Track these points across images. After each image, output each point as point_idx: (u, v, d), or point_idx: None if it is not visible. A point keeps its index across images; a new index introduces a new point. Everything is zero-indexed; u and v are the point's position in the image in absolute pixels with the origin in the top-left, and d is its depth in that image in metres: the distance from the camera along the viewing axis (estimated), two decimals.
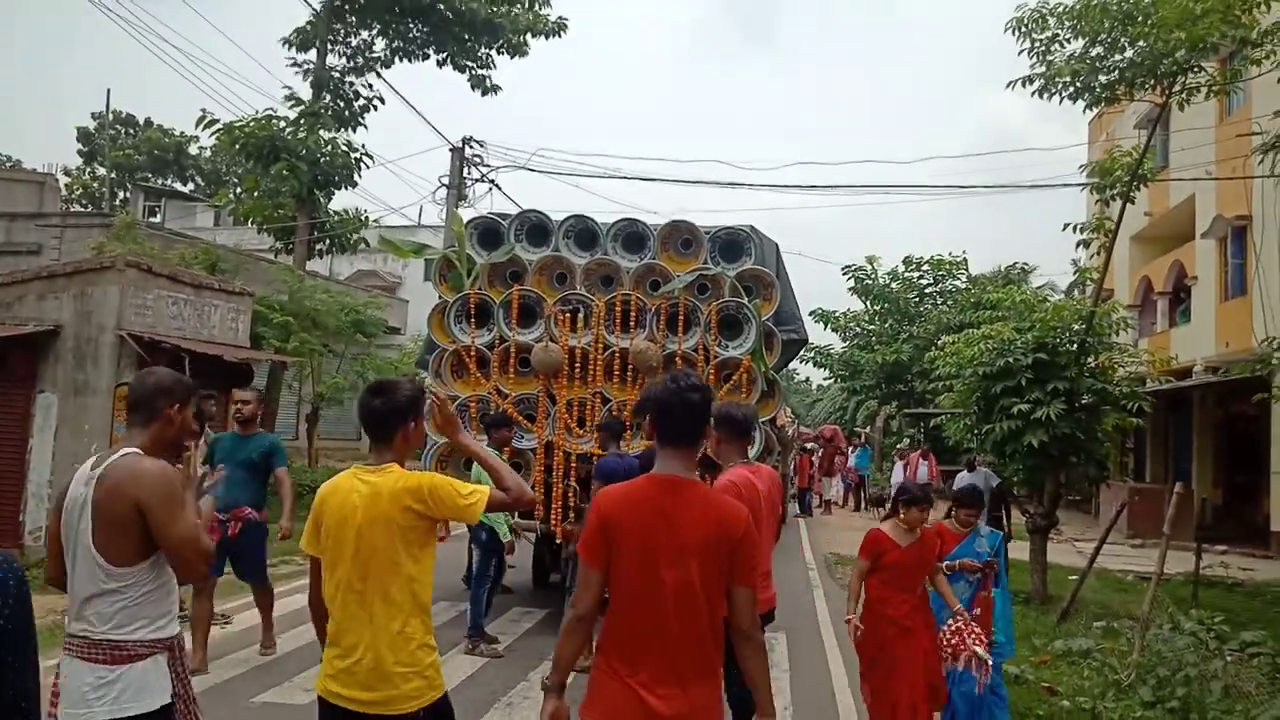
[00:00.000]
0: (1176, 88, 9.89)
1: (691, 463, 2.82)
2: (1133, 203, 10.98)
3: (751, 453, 8.20)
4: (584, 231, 9.09)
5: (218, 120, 17.38)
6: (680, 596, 2.61)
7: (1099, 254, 11.97)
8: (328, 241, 18.78)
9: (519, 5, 19.48)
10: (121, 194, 41.44)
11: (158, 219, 32.55)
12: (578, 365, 8.46)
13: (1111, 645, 7.30)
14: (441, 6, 18.42)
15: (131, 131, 46.70)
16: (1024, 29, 9.87)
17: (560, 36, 19.70)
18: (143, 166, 44.53)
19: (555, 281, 9.03)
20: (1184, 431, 18.82)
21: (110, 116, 42.09)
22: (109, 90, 45.17)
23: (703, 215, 32.57)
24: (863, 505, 22.72)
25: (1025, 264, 30.01)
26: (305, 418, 18.86)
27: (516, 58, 19.70)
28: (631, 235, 9.04)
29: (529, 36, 19.47)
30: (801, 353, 28.65)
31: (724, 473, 4.41)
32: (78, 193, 43.38)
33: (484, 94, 19.94)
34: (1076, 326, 10.34)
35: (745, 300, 8.52)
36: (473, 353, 8.70)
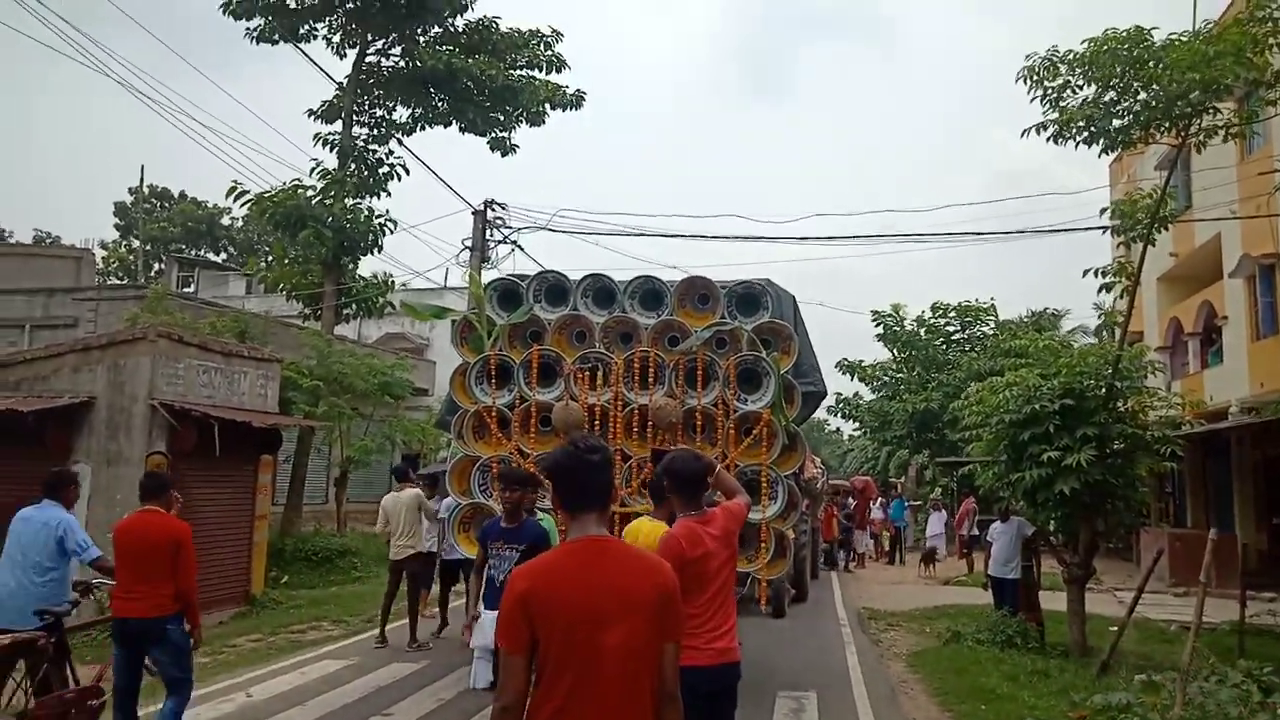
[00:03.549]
0: (1193, 130, 9.88)
1: (605, 522, 2.75)
2: (1153, 245, 10.92)
3: (773, 508, 8.22)
4: (602, 290, 9.19)
5: (248, 191, 17.86)
6: (623, 660, 2.53)
7: (1123, 297, 11.86)
8: (355, 306, 19.07)
9: (538, 70, 19.95)
10: (157, 265, 42.49)
11: (191, 289, 33.28)
12: (598, 423, 8.47)
13: (1153, 699, 7.05)
14: (463, 78, 18.91)
15: (166, 205, 48.09)
16: (1035, 78, 9.95)
17: (578, 109, 20.11)
18: (177, 238, 45.73)
19: (574, 340, 9.10)
20: (1223, 475, 18.39)
21: (145, 191, 43.38)
22: (143, 166, 46.70)
23: (723, 269, 32.75)
24: (898, 559, 22.30)
25: (1056, 309, 29.88)
26: (334, 481, 18.98)
27: (535, 127, 20.10)
28: (649, 292, 9.12)
29: (547, 107, 19.89)
30: (830, 404, 28.63)
31: (673, 526, 4.31)
32: (114, 266, 44.56)
33: (503, 155, 20.30)
34: (1104, 371, 10.20)
35: (763, 354, 8.52)
36: (494, 413, 8.75)
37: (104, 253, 43.90)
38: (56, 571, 6.18)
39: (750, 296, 9.03)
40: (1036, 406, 9.86)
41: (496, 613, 4.99)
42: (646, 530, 4.97)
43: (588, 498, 2.70)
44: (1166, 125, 9.91)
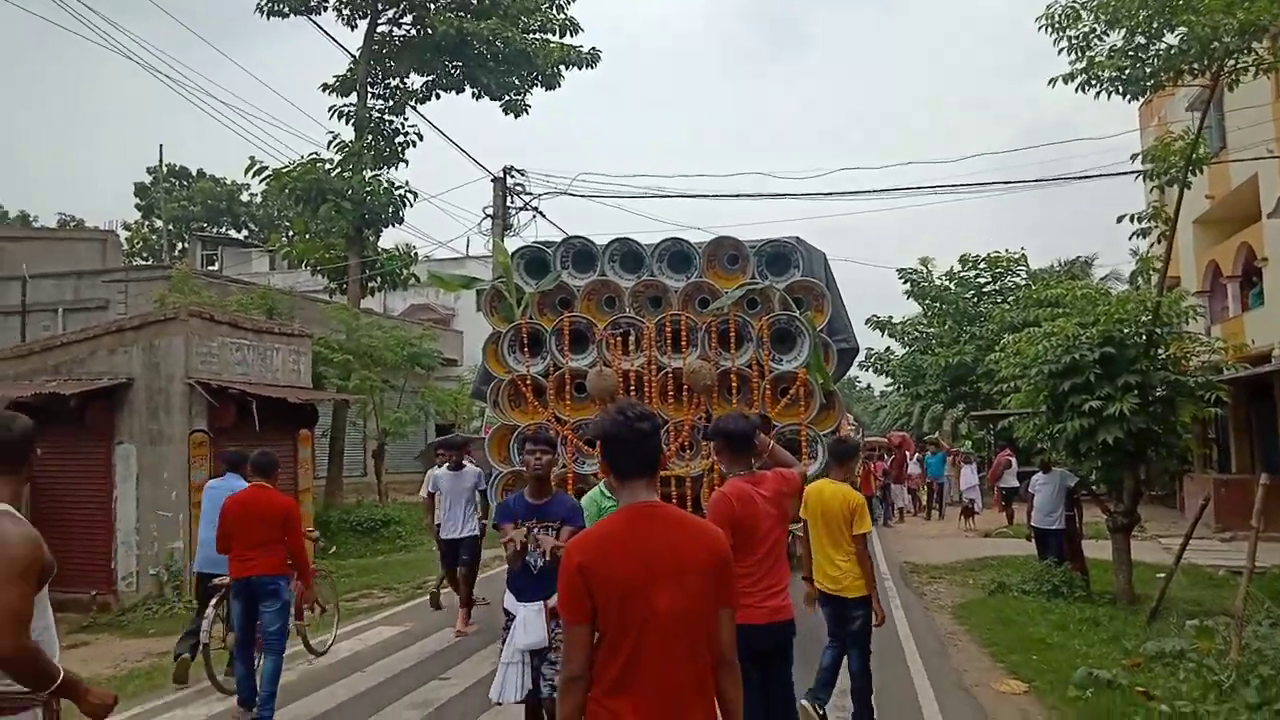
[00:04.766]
0: (1226, 69, 9.58)
1: (654, 489, 2.76)
2: (1189, 188, 10.65)
3: (813, 467, 8.15)
4: (629, 254, 9.08)
5: (266, 167, 17.86)
6: (678, 624, 2.55)
7: (1159, 242, 11.59)
8: (379, 279, 19.10)
9: (552, 32, 19.68)
10: (180, 244, 42.76)
11: (215, 267, 33.46)
12: (633, 388, 8.43)
13: (1207, 645, 7.00)
14: (476, 42, 18.70)
15: (185, 184, 48.22)
16: (1057, 25, 9.66)
17: (593, 68, 19.80)
18: (198, 216, 45.94)
19: (604, 305, 9.04)
20: (1269, 418, 18.08)
21: (164, 171, 43.50)
22: (161, 146, 46.72)
23: (748, 229, 32.47)
24: (936, 513, 22.17)
25: (1087, 257, 29.30)
26: (371, 454, 19.15)
27: (550, 90, 19.84)
28: (677, 254, 9.01)
29: (562, 68, 19.62)
30: (861, 359, 28.36)
31: (723, 485, 4.35)
32: (138, 246, 44.87)
33: (515, 116, 20.05)
34: (1143, 318, 10.02)
35: (796, 313, 8.42)
36: (528, 381, 8.73)
37: (127, 234, 44.19)
38: None
39: (780, 255, 8.90)
40: (1076, 356, 9.72)
41: (533, 608, 4.70)
42: (830, 491, 5.65)
43: (638, 464, 2.70)
44: (1198, 68, 9.61)
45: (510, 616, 4.85)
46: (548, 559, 4.68)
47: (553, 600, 4.50)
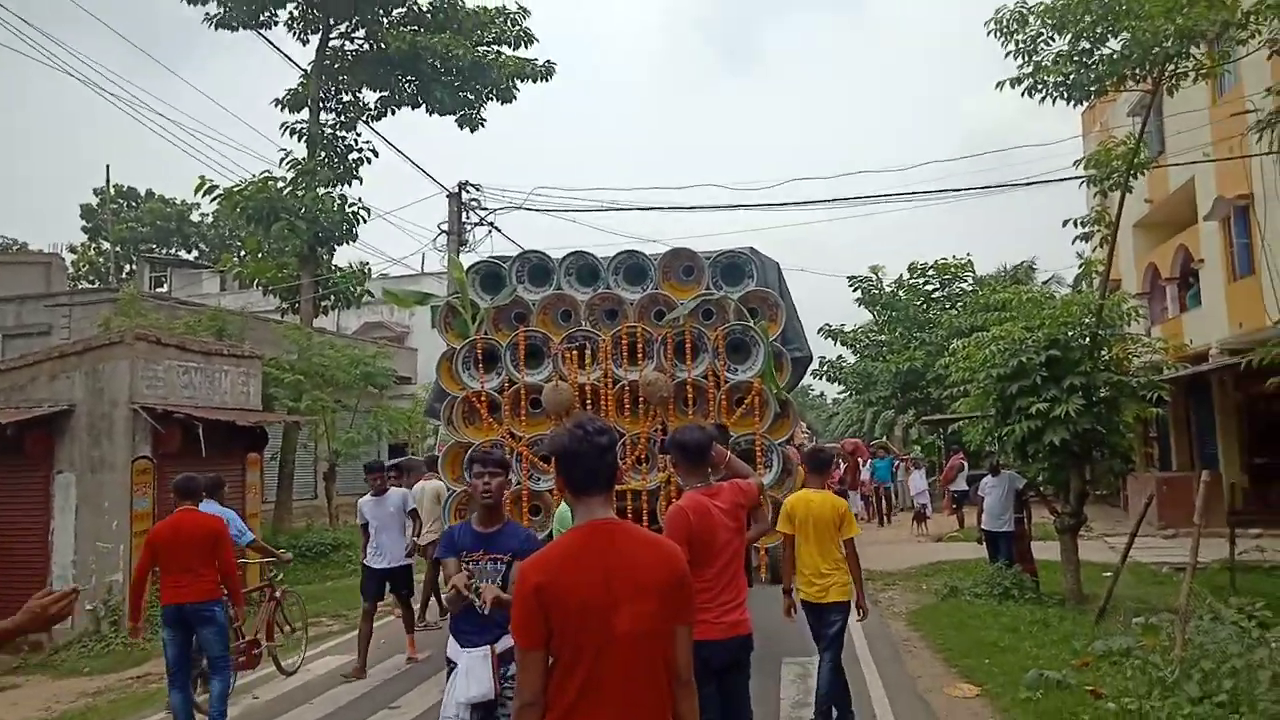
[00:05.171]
0: (1166, 74, 9.87)
1: (610, 505, 2.68)
2: (1130, 192, 10.93)
3: (769, 476, 8.21)
4: (585, 267, 9.09)
5: (217, 186, 17.58)
6: (636, 644, 2.50)
7: (1101, 246, 11.88)
8: (333, 297, 18.88)
9: (505, 46, 19.68)
10: (127, 267, 41.86)
11: (164, 289, 32.83)
12: (589, 402, 8.42)
13: (1152, 641, 7.15)
14: (429, 57, 18.63)
15: (133, 204, 47.25)
16: (1005, 30, 9.89)
17: (548, 80, 19.84)
18: (146, 238, 45.00)
19: (560, 319, 9.02)
20: (1206, 416, 18.60)
21: (111, 191, 42.61)
22: (108, 166, 45.73)
23: (703, 240, 32.62)
24: (884, 519, 22.38)
25: (1029, 262, 29.94)
26: (322, 475, 18.85)
27: (505, 104, 19.83)
28: (632, 267, 9.03)
29: (517, 81, 19.62)
30: (813, 368, 28.60)
31: (680, 498, 4.37)
32: (84, 269, 43.84)
33: (471, 130, 20.02)
34: (1087, 320, 10.26)
35: (751, 323, 8.48)
36: (483, 398, 8.68)
37: (73, 256, 43.19)
38: None
39: (734, 266, 8.96)
40: (1023, 359, 9.92)
41: (477, 654, 4.12)
42: (818, 500, 5.87)
43: (595, 480, 2.65)
44: (1140, 73, 9.90)
45: (453, 665, 4.26)
46: (487, 611, 4.02)
47: (500, 645, 4.10)
